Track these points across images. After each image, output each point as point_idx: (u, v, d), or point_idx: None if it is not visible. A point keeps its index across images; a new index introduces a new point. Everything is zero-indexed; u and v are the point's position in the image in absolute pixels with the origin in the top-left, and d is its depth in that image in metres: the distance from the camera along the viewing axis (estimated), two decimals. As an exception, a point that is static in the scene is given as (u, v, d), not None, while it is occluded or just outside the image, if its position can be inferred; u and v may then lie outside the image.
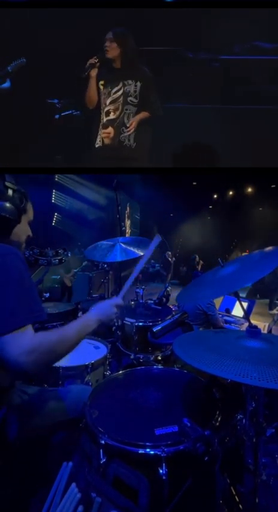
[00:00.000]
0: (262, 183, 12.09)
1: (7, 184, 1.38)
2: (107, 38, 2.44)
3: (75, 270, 7.06)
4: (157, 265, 10.88)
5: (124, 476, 1.05)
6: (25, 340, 1.12)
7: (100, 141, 2.46)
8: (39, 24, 2.63)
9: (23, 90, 2.61)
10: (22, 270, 1.21)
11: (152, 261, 10.72)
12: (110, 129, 2.44)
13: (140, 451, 1.07)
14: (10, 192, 1.38)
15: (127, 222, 12.10)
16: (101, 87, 2.46)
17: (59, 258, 2.51)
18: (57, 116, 2.64)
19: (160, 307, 2.47)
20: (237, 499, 1.28)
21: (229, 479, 1.25)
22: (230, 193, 14.00)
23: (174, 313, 2.23)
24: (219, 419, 1.22)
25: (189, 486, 1.02)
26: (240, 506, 1.27)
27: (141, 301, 2.65)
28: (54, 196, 9.98)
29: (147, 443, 1.07)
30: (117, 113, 2.44)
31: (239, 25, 2.79)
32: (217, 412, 1.24)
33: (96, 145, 2.48)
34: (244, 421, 1.27)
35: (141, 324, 2.21)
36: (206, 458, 1.05)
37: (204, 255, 11.22)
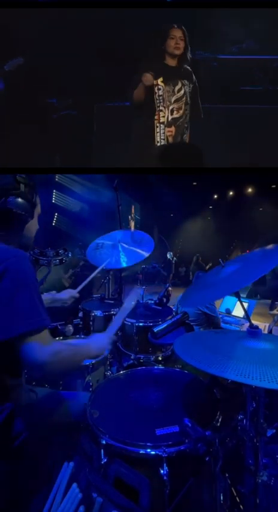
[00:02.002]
0: (262, 183, 12.07)
1: (18, 178, 1.30)
2: (176, 35, 2.36)
3: (72, 271, 6.99)
4: (157, 265, 10.85)
5: (125, 476, 1.05)
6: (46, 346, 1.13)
7: (163, 139, 2.41)
8: (38, 24, 2.63)
9: (22, 90, 2.61)
10: (33, 275, 1.22)
11: (152, 261, 10.69)
12: (172, 128, 2.41)
13: (141, 451, 1.07)
14: (22, 186, 1.29)
15: (132, 223, 12.03)
16: (162, 84, 2.37)
17: (60, 258, 2.50)
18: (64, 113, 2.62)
19: (160, 308, 2.46)
20: (238, 500, 1.28)
21: (229, 480, 1.25)
22: (231, 193, 13.97)
23: (174, 313, 2.23)
24: (220, 419, 1.22)
25: (189, 486, 1.02)
26: (241, 506, 1.27)
27: (141, 301, 2.64)
28: (55, 196, 9.97)
29: (148, 444, 1.08)
30: (181, 112, 2.41)
31: (238, 25, 2.80)
32: (218, 413, 1.24)
33: (158, 144, 2.41)
34: (244, 421, 1.27)
35: (141, 324, 2.21)
36: (207, 458, 1.05)
37: (204, 255, 11.21)
